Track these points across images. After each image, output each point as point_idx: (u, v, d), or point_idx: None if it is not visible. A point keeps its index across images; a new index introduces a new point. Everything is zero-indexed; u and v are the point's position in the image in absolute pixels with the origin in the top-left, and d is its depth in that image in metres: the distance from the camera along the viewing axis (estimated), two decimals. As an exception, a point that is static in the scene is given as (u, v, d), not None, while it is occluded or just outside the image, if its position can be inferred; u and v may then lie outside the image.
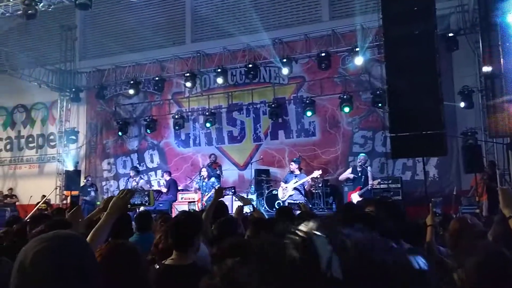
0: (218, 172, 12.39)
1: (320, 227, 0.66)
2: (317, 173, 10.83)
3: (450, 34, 11.31)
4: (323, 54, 12.25)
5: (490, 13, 8.59)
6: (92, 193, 13.65)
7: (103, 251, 1.98)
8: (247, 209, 9.71)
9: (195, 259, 2.90)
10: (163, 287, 2.52)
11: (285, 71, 12.67)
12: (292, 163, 11.22)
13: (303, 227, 0.67)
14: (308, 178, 10.80)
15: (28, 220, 4.57)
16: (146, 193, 2.57)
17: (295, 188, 10.67)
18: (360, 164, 10.74)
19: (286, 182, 10.97)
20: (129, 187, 11.55)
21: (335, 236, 0.64)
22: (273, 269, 0.64)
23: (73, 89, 15.48)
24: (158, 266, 2.81)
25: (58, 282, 1.26)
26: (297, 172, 10.96)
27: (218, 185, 11.09)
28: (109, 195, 12.06)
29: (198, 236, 3.00)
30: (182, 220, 3.00)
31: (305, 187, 10.89)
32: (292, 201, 10.20)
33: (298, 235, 0.65)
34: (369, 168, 10.91)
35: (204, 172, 11.92)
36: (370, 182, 10.42)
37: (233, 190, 5.32)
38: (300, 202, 10.22)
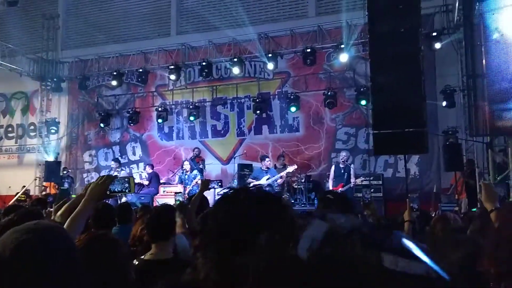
0: (201, 166, 12.35)
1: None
2: (292, 168, 10.84)
3: (434, 34, 11.43)
4: (308, 50, 12.27)
5: (473, 13, 8.69)
6: (66, 185, 13.49)
7: (83, 242, 1.94)
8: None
9: (175, 251, 2.87)
10: (145, 284, 2.49)
11: (270, 66, 12.65)
12: (266, 158, 11.18)
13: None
14: (283, 173, 10.78)
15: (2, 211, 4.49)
16: (126, 179, 2.50)
17: (269, 185, 10.65)
18: (343, 160, 10.79)
19: (256, 179, 10.87)
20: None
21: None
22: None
23: (55, 79, 15.21)
24: (137, 262, 2.76)
25: (41, 274, 1.23)
26: (264, 168, 10.93)
27: (202, 178, 11.06)
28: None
29: (174, 228, 2.99)
30: (162, 211, 2.98)
31: (277, 181, 10.84)
32: None
33: None
34: (352, 165, 10.96)
35: (187, 166, 11.87)
36: (353, 180, 10.46)
37: (219, 184, 5.30)
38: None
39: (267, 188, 10.61)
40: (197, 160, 12.45)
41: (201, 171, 12.08)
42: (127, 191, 2.49)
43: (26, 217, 2.39)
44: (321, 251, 0.59)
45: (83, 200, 2.35)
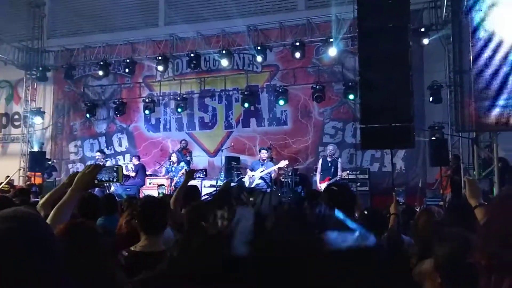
0: (188, 158, 12.30)
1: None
2: (283, 163, 10.84)
3: (422, 29, 11.48)
4: (297, 43, 12.25)
5: (461, 10, 8.74)
6: (45, 175, 13.48)
7: (61, 230, 1.91)
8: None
9: (164, 244, 2.85)
10: (133, 274, 2.46)
11: (259, 58, 12.62)
12: (264, 151, 11.17)
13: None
14: (275, 167, 10.78)
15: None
16: (114, 168, 2.46)
17: (261, 177, 10.66)
18: (330, 154, 10.82)
19: (252, 170, 10.92)
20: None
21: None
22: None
23: (40, 68, 14.97)
24: (126, 253, 2.73)
25: (20, 263, 1.21)
26: (261, 161, 10.94)
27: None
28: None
29: (168, 220, 2.96)
30: (153, 202, 2.95)
31: (272, 175, 10.87)
32: None
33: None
34: (339, 159, 11.00)
35: (174, 157, 11.82)
36: (339, 173, 10.51)
37: (204, 173, 5.26)
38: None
39: (259, 181, 10.61)
40: (184, 152, 12.40)
41: (188, 163, 12.03)
42: (114, 180, 2.45)
43: None
44: (259, 241, 0.59)
45: (70, 189, 2.30)
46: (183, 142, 12.77)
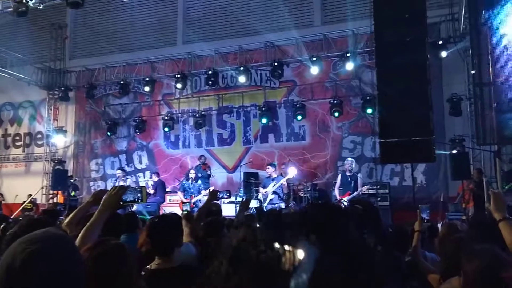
0: (208, 172, 12.33)
1: None
2: (292, 173, 10.82)
3: (440, 42, 11.43)
4: (314, 59, 12.30)
5: (480, 22, 8.69)
6: (71, 192, 13.74)
7: (90, 249, 1.95)
8: (255, 203, 9.58)
9: (181, 260, 2.86)
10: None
11: (276, 75, 12.73)
12: (269, 166, 11.12)
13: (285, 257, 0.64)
14: (283, 181, 10.77)
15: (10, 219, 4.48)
16: (138, 189, 2.51)
17: (274, 192, 10.64)
18: (349, 169, 10.73)
19: (264, 187, 10.90)
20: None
21: None
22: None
23: (62, 88, 15.33)
24: (143, 272, 2.76)
25: (51, 284, 1.24)
26: (274, 175, 10.92)
27: (209, 187, 11.07)
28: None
29: (179, 240, 2.95)
30: (159, 225, 2.93)
31: (283, 190, 10.84)
32: (272, 206, 10.16)
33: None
34: (359, 175, 10.86)
35: (192, 174, 11.87)
36: (359, 188, 10.40)
37: (228, 194, 5.29)
38: (292, 207, 10.23)
39: (272, 196, 10.61)
40: (204, 168, 12.43)
41: (208, 177, 12.07)
42: (139, 200, 2.50)
43: (31, 228, 2.38)
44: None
45: (97, 210, 2.37)
46: (202, 158, 12.84)
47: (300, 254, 0.60)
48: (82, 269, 1.35)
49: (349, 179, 10.57)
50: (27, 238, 1.30)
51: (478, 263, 1.72)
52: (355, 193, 10.25)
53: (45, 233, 1.34)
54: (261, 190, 10.89)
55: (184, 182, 12.05)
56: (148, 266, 2.87)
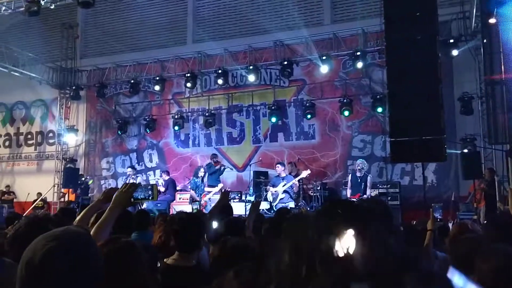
0: (222, 168, 12.23)
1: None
2: (305, 173, 10.80)
3: (451, 40, 11.33)
4: (323, 58, 12.28)
5: (491, 20, 8.62)
6: (78, 190, 13.84)
7: (102, 246, 1.97)
8: (266, 205, 9.56)
9: (198, 260, 2.89)
10: (164, 287, 2.51)
11: (285, 73, 12.72)
12: (278, 165, 11.10)
13: (339, 246, 0.62)
14: (295, 180, 10.75)
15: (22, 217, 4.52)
16: (149, 187, 2.53)
17: (285, 191, 10.62)
18: (359, 168, 10.68)
19: (274, 186, 10.88)
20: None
21: (380, 279, 0.60)
22: None
23: (73, 87, 15.45)
24: (159, 264, 2.79)
25: (70, 281, 1.25)
26: (283, 174, 10.90)
27: (222, 187, 11.09)
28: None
29: (203, 238, 2.99)
30: (188, 222, 2.97)
31: (294, 189, 10.83)
32: (283, 204, 10.14)
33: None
34: (369, 176, 10.75)
35: (202, 173, 11.86)
36: (368, 191, 10.33)
37: (239, 195, 5.31)
38: (302, 207, 10.22)
39: (283, 195, 10.60)
40: (216, 164, 12.39)
41: (219, 171, 12.07)
42: (150, 198, 2.52)
43: (30, 227, 2.40)
44: None
45: (108, 208, 2.39)
46: (215, 157, 12.73)
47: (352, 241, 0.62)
48: (101, 265, 1.36)
49: (359, 180, 10.53)
50: (48, 234, 1.32)
51: (493, 262, 1.71)
52: (364, 196, 10.16)
53: (66, 230, 1.36)
54: (271, 189, 10.89)
55: (196, 180, 12.01)
56: (165, 260, 2.90)
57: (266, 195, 11.07)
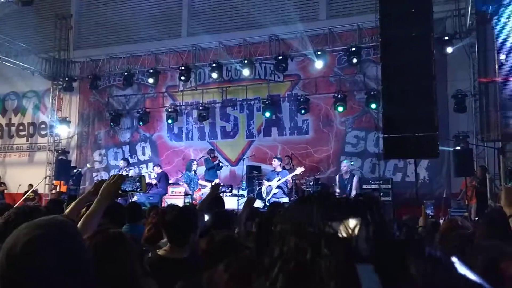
0: (216, 162, 12.24)
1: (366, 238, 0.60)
2: (299, 170, 10.80)
3: (446, 38, 11.36)
4: (318, 53, 12.27)
5: (486, 18, 8.64)
6: (70, 182, 13.83)
7: (89, 238, 1.95)
8: (259, 204, 9.54)
9: (192, 252, 2.88)
10: (154, 278, 2.50)
11: (280, 68, 12.69)
12: (275, 160, 11.14)
13: (343, 229, 0.62)
14: (289, 176, 10.75)
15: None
16: (137, 178, 2.51)
17: (278, 186, 10.64)
18: (344, 172, 10.69)
19: (268, 180, 10.91)
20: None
21: (384, 261, 0.59)
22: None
23: (66, 78, 15.34)
24: (150, 254, 2.77)
25: (54, 272, 1.19)
26: (278, 169, 10.92)
27: (216, 179, 11.08)
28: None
29: (196, 232, 2.97)
30: (180, 215, 2.96)
31: (288, 184, 10.85)
32: (276, 199, 10.14)
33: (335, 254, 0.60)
34: (355, 177, 10.71)
35: (195, 166, 11.84)
36: (353, 192, 10.25)
37: (230, 188, 5.29)
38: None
39: (277, 190, 10.60)
40: (213, 160, 12.38)
41: (217, 167, 12.07)
42: (138, 190, 2.50)
43: (23, 216, 2.37)
44: None
45: (95, 200, 2.36)
46: (210, 152, 12.70)
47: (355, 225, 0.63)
48: (87, 257, 1.33)
49: (345, 183, 10.55)
50: (31, 223, 1.26)
51: (483, 258, 1.72)
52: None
53: (51, 219, 1.32)
54: (265, 183, 10.91)
55: (189, 174, 11.99)
56: (156, 250, 2.89)
57: (261, 188, 11.08)
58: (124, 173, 12.27)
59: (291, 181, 10.91)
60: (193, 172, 11.77)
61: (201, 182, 11.83)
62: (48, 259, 1.19)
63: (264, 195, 10.83)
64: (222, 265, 1.50)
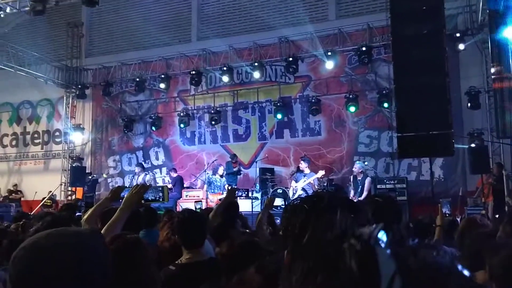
0: (236, 169, 12.29)
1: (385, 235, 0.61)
2: (321, 173, 10.78)
3: (458, 34, 11.24)
4: (329, 53, 12.23)
5: (499, 13, 8.54)
6: (85, 188, 13.95)
7: (107, 243, 1.96)
8: (279, 202, 9.62)
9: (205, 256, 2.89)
10: (186, 286, 2.51)
11: (290, 70, 12.68)
12: (302, 161, 11.11)
13: (366, 230, 0.63)
14: (311, 179, 10.72)
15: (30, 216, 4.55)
16: (160, 188, 2.55)
17: (303, 188, 10.62)
18: (358, 173, 10.62)
19: (296, 181, 10.92)
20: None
21: (400, 250, 0.60)
22: (325, 274, 0.60)
23: (79, 86, 15.51)
24: (173, 267, 2.79)
25: (77, 279, 1.19)
26: (307, 171, 10.89)
27: (234, 185, 11.11)
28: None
29: (206, 234, 3.00)
30: (191, 219, 2.98)
31: (312, 187, 10.81)
32: None
33: (361, 241, 0.61)
34: (368, 178, 10.61)
35: (221, 171, 11.86)
36: (365, 193, 10.16)
37: (246, 193, 5.30)
38: None
39: (301, 191, 10.56)
40: (234, 165, 12.41)
41: (237, 173, 12.18)
42: (160, 199, 2.54)
43: (54, 224, 2.41)
44: None
45: (119, 209, 2.40)
46: (233, 157, 12.71)
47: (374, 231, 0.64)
48: (109, 263, 1.33)
49: (358, 184, 10.47)
50: (58, 230, 1.27)
51: (502, 255, 1.70)
52: (359, 198, 9.90)
53: (77, 230, 1.34)
54: (293, 184, 10.97)
55: (211, 176, 12.01)
56: (177, 262, 2.90)
57: (276, 190, 11.20)
58: (140, 178, 12.36)
59: (315, 185, 10.84)
60: (217, 175, 11.77)
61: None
62: (72, 269, 1.18)
63: (290, 195, 10.88)
64: (253, 267, 1.52)
